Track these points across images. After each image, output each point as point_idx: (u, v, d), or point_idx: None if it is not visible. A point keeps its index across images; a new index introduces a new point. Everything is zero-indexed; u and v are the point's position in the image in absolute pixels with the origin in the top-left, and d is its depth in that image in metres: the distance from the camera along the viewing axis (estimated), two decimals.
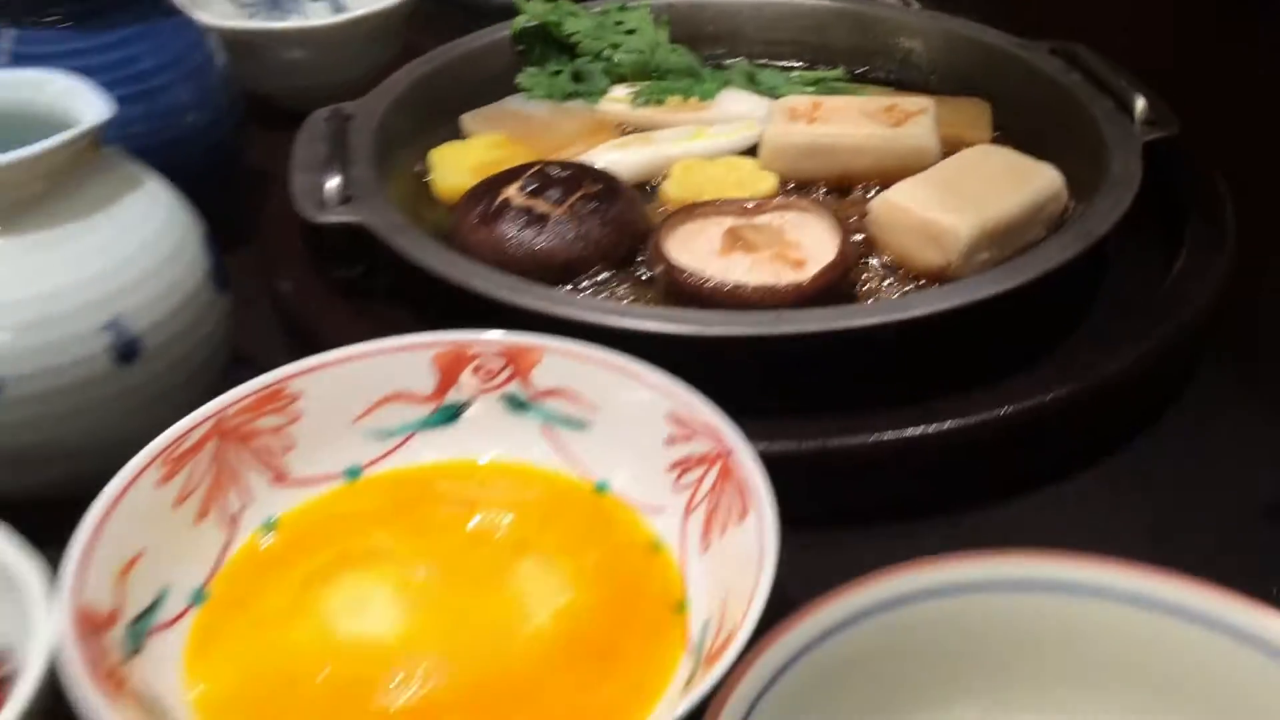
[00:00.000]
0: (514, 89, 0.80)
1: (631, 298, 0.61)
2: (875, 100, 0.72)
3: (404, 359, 0.52)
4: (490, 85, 0.79)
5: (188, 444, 0.47)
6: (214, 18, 0.81)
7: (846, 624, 0.37)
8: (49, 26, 0.64)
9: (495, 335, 0.52)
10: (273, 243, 0.66)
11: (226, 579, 0.47)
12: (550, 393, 0.51)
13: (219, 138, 0.70)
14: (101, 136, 0.51)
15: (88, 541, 0.42)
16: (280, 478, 0.50)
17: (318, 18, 0.91)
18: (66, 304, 0.49)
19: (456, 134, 0.76)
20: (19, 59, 0.64)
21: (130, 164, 0.54)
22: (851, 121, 0.70)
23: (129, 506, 0.44)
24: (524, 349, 0.52)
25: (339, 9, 0.91)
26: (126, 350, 0.50)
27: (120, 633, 0.42)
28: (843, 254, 0.60)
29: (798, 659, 0.36)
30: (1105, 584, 0.39)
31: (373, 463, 0.51)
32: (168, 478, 0.46)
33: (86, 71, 0.64)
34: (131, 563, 0.43)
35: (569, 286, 0.62)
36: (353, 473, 0.51)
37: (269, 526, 0.49)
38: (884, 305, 0.59)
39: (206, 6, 0.84)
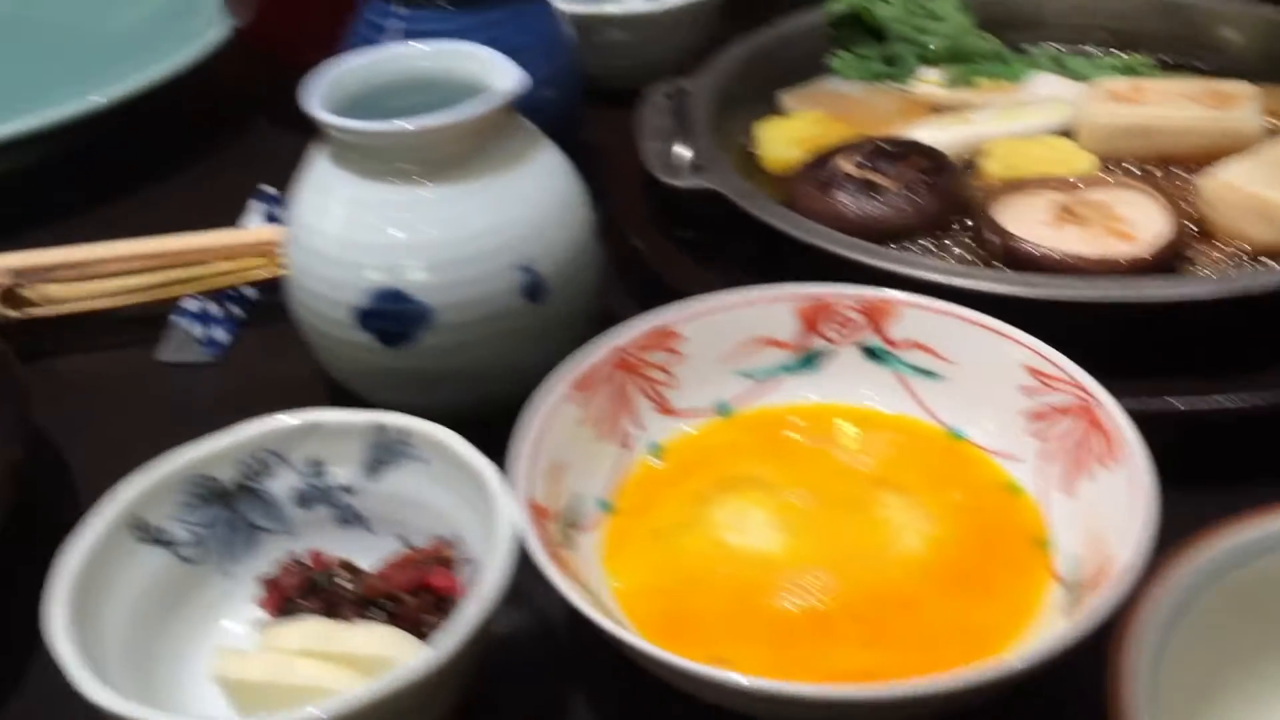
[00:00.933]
0: (826, 71, 0.84)
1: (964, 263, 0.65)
2: (1195, 83, 0.74)
3: (771, 308, 0.57)
4: (804, 66, 0.84)
5: (597, 372, 0.53)
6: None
7: (1265, 548, 0.40)
8: (435, 7, 0.72)
9: (853, 289, 0.56)
10: (620, 206, 0.72)
11: (627, 493, 0.53)
12: (907, 344, 0.56)
13: (568, 110, 0.77)
14: (514, 103, 0.58)
15: (531, 446, 0.49)
16: (664, 408, 0.55)
17: (636, 2, 0.98)
18: (487, 245, 0.56)
19: (775, 110, 0.81)
20: (409, 34, 0.73)
21: (531, 128, 0.61)
22: (1173, 103, 0.71)
23: (553, 420, 0.51)
24: (881, 302, 0.56)
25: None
26: (534, 289, 0.57)
27: (555, 526, 0.48)
28: (1176, 228, 0.62)
29: (1211, 582, 0.39)
30: None
31: (741, 399, 0.57)
32: (579, 399, 0.52)
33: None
34: (555, 470, 0.50)
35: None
36: (723, 408, 0.56)
37: (655, 450, 0.55)
38: (1247, 276, 0.60)
39: None
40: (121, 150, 0.89)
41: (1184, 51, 0.83)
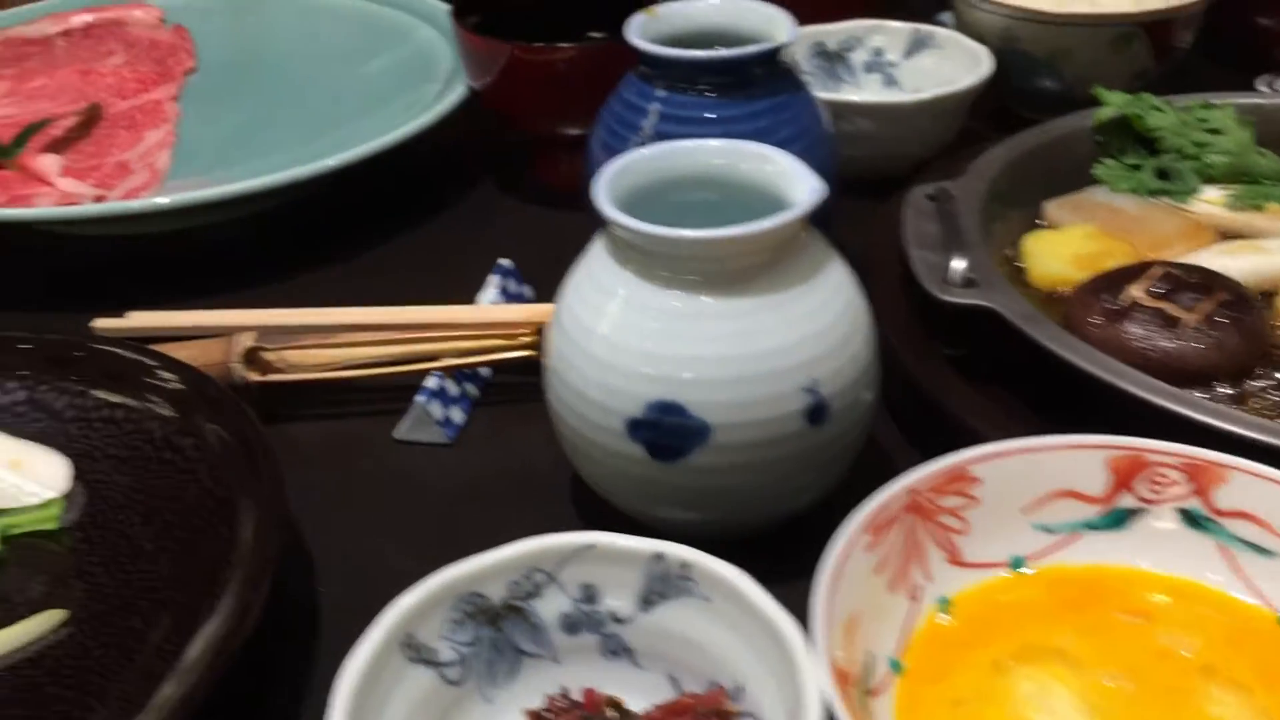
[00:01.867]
0: (1090, 179, 0.79)
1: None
2: None
3: (1078, 456, 0.52)
4: (1069, 174, 0.78)
5: (888, 514, 0.49)
6: None
7: None
8: (697, 93, 0.70)
9: (1176, 447, 0.51)
10: (880, 314, 0.68)
11: (915, 652, 0.48)
12: (1235, 514, 0.50)
13: (826, 208, 0.73)
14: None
15: (828, 598, 0.45)
16: (954, 558, 0.51)
17: (870, 89, 0.94)
18: (774, 366, 0.52)
19: (1038, 219, 0.76)
20: (666, 118, 0.70)
21: (820, 239, 0.57)
22: None
23: (848, 568, 0.46)
24: (1209, 465, 0.50)
25: (890, 82, 0.94)
26: (817, 412, 0.53)
27: (855, 692, 0.44)
28: None
29: None
30: None
31: (1037, 555, 0.52)
32: (872, 545, 0.48)
33: (728, 137, 0.70)
34: (851, 624, 0.46)
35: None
36: (1017, 562, 0.52)
37: (944, 605, 0.50)
38: None
39: None
40: (346, 204, 0.88)
41: None
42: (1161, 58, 0.89)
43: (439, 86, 0.93)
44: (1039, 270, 0.70)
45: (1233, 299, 0.63)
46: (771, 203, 0.56)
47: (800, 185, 0.55)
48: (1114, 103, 0.80)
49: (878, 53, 0.94)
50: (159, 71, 1.05)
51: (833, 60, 0.94)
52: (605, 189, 0.54)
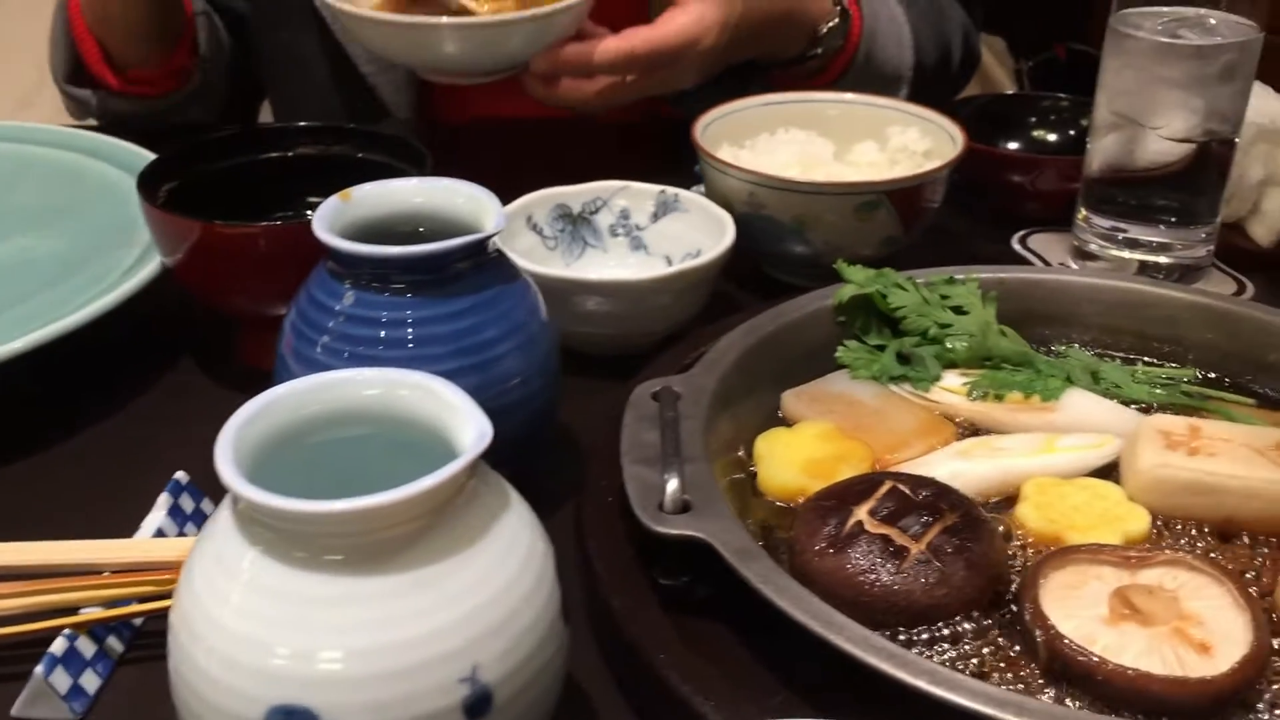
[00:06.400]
0: (833, 363, 0.75)
1: (997, 664, 0.54)
2: (1262, 433, 0.64)
3: None
4: (810, 358, 0.74)
5: None
6: (517, 255, 0.80)
7: None
8: (391, 292, 0.62)
9: None
10: (597, 531, 0.61)
11: None
12: None
13: (541, 405, 0.67)
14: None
15: None
16: None
17: (616, 253, 0.89)
18: (427, 655, 0.44)
19: (774, 409, 0.71)
20: (354, 320, 0.62)
21: (495, 485, 0.50)
22: (1242, 460, 0.62)
23: None
24: None
25: (638, 245, 0.89)
26: (479, 706, 0.45)
27: None
28: (1260, 643, 0.52)
29: None
30: None
31: None
32: None
33: (424, 340, 0.63)
34: None
35: (922, 633, 0.55)
36: None
37: None
38: None
39: (509, 241, 0.83)
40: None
41: (1234, 370, 0.74)
42: (910, 224, 0.87)
43: (139, 251, 0.84)
44: (769, 480, 0.65)
45: (961, 521, 0.58)
46: (438, 440, 0.49)
47: (467, 426, 0.48)
48: (855, 280, 0.76)
49: (624, 215, 0.89)
50: None
51: (578, 223, 0.88)
52: (229, 445, 0.46)
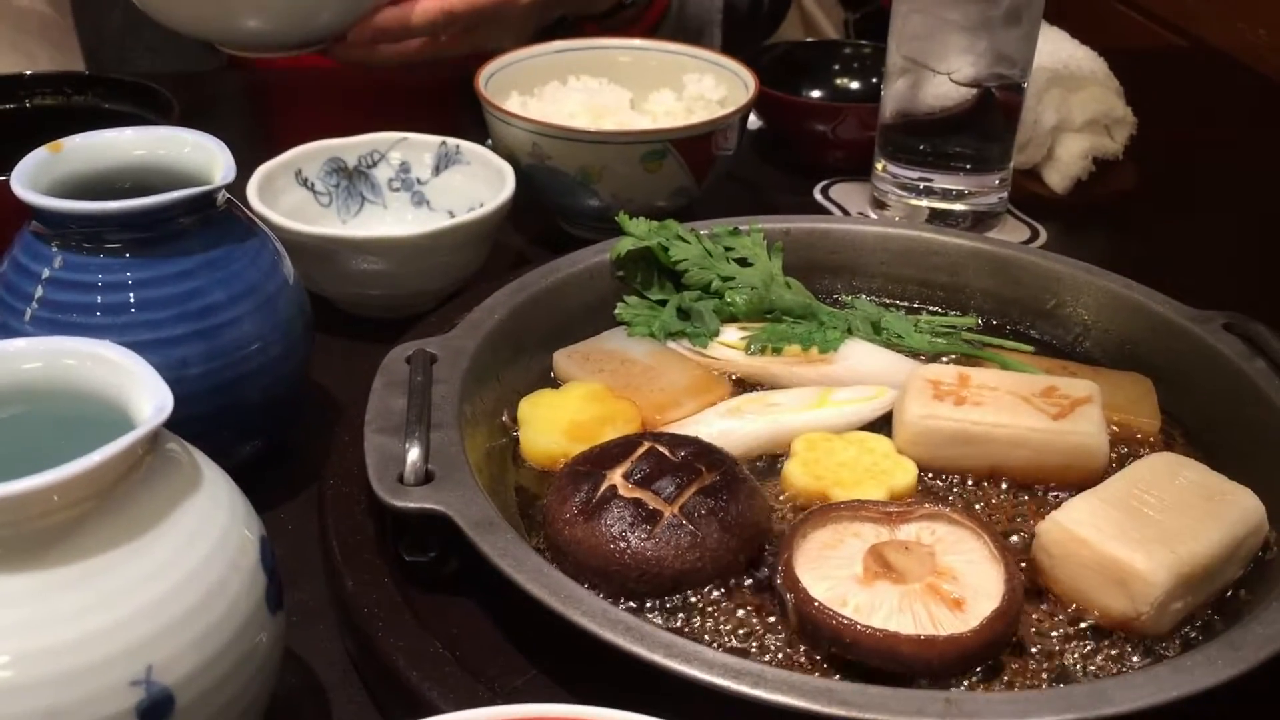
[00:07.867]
0: (614, 320, 0.71)
1: (755, 628, 0.52)
2: (1031, 380, 0.63)
3: None
4: (589, 316, 0.71)
5: None
6: (282, 212, 0.74)
7: None
8: (106, 253, 0.57)
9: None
10: (335, 510, 0.57)
11: None
12: None
13: (287, 371, 0.62)
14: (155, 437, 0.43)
15: None
16: None
17: (397, 209, 0.84)
18: (91, 656, 0.40)
19: (546, 370, 0.68)
20: (62, 286, 0.57)
21: (185, 456, 0.45)
22: (1008, 408, 0.60)
23: None
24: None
25: (420, 200, 0.84)
26: (155, 708, 0.41)
27: None
28: (1010, 597, 0.51)
29: None
30: None
31: None
32: None
33: (146, 305, 0.57)
34: None
35: (678, 600, 0.53)
36: None
37: None
38: (1096, 691, 0.46)
39: (275, 198, 0.77)
40: None
41: (1015, 317, 0.74)
42: (701, 174, 0.84)
43: None
44: (530, 445, 0.61)
45: (719, 481, 0.55)
46: (119, 415, 0.44)
47: (146, 397, 0.43)
48: (635, 232, 0.73)
49: (404, 168, 0.84)
50: None
51: (354, 178, 0.83)
52: None
